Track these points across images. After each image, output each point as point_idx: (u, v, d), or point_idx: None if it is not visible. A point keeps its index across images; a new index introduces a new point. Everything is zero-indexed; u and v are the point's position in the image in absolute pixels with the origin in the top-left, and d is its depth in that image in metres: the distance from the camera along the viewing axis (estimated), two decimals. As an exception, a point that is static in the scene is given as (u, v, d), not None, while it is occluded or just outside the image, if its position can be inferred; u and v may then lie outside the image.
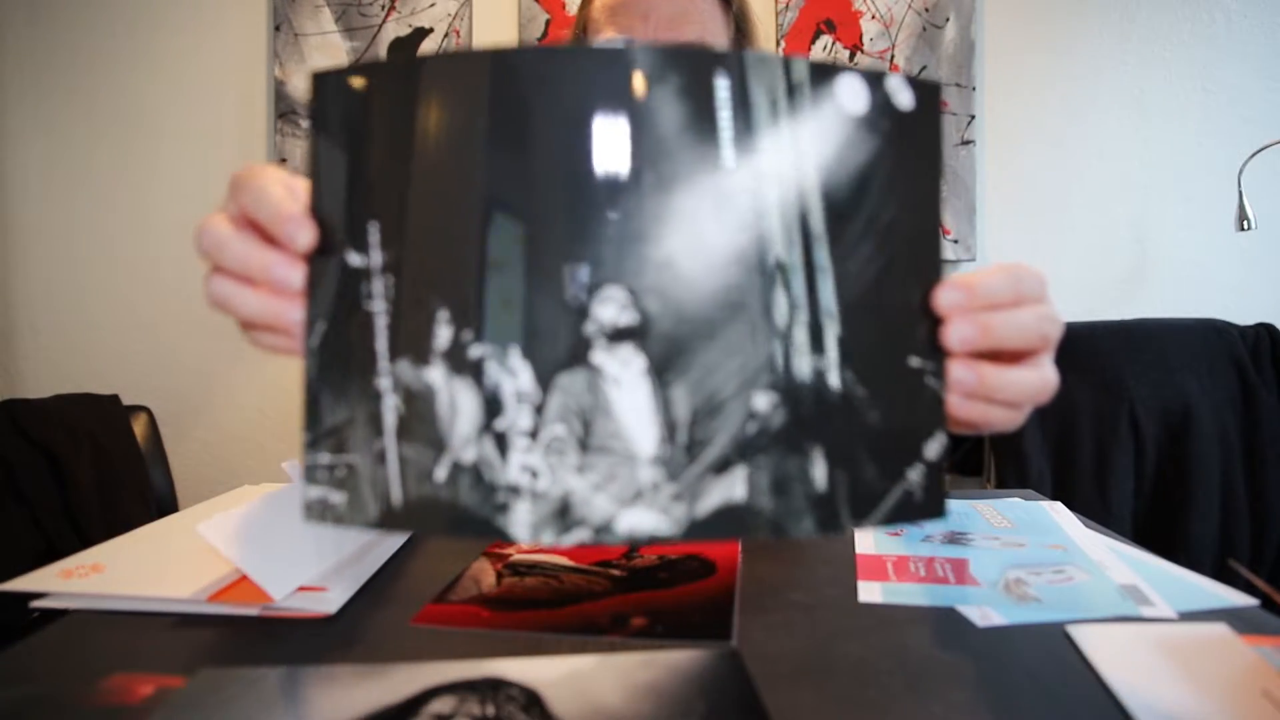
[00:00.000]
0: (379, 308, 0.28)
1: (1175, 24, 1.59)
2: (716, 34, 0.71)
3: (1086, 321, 1.40)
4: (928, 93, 0.30)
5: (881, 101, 0.29)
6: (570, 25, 0.78)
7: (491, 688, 0.34)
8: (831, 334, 0.29)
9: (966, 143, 1.62)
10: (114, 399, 1.37)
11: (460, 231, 0.27)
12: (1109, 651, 0.37)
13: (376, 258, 0.28)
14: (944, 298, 0.30)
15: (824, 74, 0.28)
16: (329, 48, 1.70)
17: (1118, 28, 1.61)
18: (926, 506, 0.30)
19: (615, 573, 0.50)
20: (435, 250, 0.28)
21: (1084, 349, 1.34)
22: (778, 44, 1.66)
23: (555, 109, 0.27)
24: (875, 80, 0.29)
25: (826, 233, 0.29)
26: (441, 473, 0.27)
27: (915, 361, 0.30)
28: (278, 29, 1.69)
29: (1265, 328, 1.35)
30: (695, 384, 0.27)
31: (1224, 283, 1.58)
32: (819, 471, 0.28)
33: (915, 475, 0.30)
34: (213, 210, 0.32)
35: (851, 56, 1.66)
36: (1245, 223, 1.41)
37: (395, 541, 0.55)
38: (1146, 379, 1.31)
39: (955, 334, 0.31)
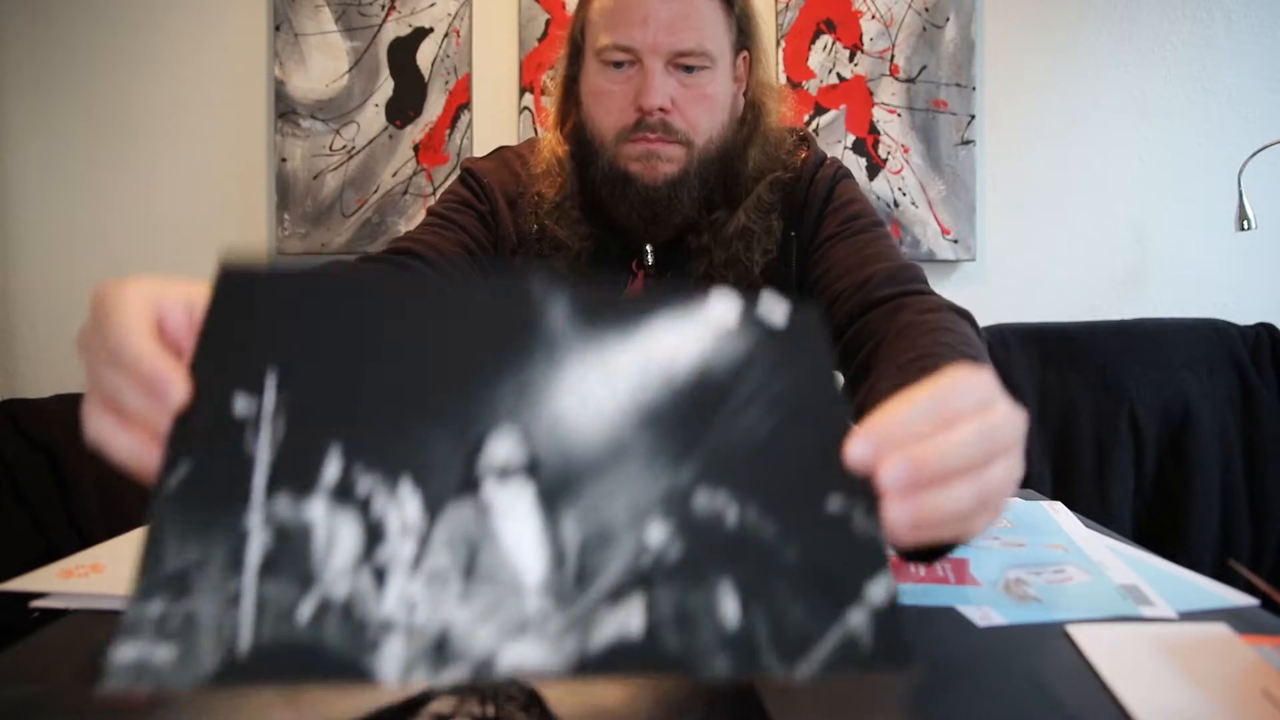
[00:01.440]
0: (263, 452, 0.27)
1: (1175, 24, 1.59)
2: (718, 37, 0.69)
3: (1086, 321, 1.40)
4: (803, 316, 0.32)
5: (753, 318, 0.32)
6: (568, 25, 0.77)
7: (491, 688, 0.33)
8: (725, 475, 0.29)
9: (966, 143, 1.62)
10: (114, 399, 1.37)
11: (362, 378, 0.29)
12: (1109, 651, 0.37)
13: (270, 401, 0.27)
14: (853, 453, 0.29)
15: (701, 292, 0.31)
16: (329, 47, 1.70)
17: (1118, 28, 1.61)
18: (882, 653, 0.27)
19: (615, 573, 0.50)
20: (334, 393, 0.28)
21: (1084, 349, 1.34)
22: (778, 44, 1.66)
23: (457, 314, 0.31)
24: (749, 301, 0.32)
25: (712, 398, 0.30)
26: (306, 610, 0.25)
27: (836, 503, 0.29)
28: (278, 29, 1.69)
29: (1265, 328, 1.35)
30: (586, 513, 0.27)
31: (1224, 283, 1.58)
32: (729, 608, 0.27)
33: (858, 618, 0.27)
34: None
35: (851, 56, 1.66)
36: (1245, 223, 1.41)
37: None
38: (1146, 379, 1.31)
39: (886, 478, 0.28)
